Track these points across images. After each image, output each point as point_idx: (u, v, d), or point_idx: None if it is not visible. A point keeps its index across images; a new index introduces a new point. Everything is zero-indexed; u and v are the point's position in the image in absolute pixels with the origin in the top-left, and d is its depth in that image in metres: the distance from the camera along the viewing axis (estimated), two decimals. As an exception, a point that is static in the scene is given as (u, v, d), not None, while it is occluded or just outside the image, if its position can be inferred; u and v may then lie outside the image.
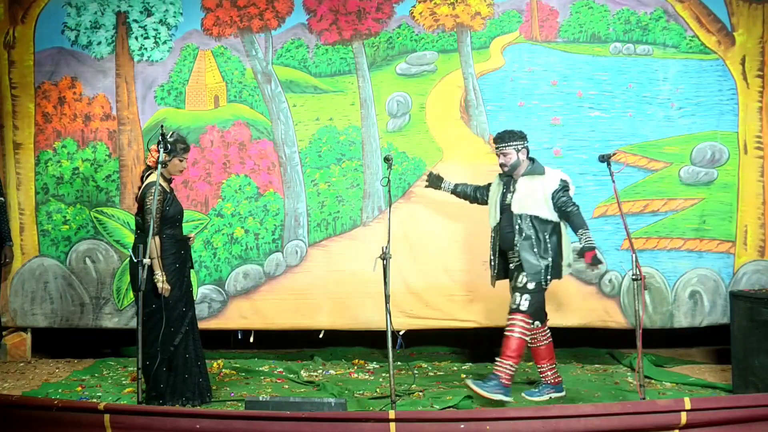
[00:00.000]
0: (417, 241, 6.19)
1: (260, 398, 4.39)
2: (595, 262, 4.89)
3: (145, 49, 6.40)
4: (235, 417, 4.02)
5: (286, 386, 5.54)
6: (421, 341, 6.50)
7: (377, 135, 6.29)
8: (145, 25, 6.39)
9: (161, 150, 4.73)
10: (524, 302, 4.92)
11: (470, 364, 6.15)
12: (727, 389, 5.23)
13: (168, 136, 4.82)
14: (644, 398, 4.53)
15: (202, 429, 3.85)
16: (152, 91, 6.40)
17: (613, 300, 6.13)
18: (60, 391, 5.36)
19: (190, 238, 5.19)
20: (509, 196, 5.07)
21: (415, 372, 5.79)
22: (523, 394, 5.10)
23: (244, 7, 6.35)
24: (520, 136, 5.08)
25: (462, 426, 3.78)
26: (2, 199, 5.76)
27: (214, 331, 6.37)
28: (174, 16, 6.40)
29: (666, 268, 6.13)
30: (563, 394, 5.11)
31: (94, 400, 4.99)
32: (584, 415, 3.84)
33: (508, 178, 5.14)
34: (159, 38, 6.40)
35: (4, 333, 6.39)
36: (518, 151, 5.05)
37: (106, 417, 3.91)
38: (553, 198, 4.95)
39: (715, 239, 6.14)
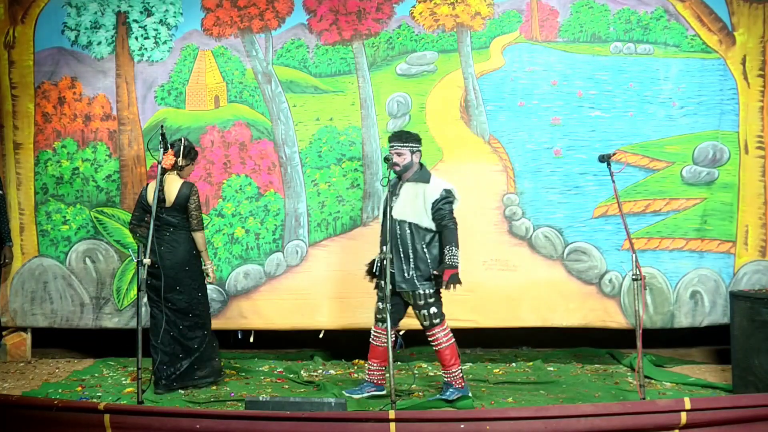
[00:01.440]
0: (417, 241, 6.19)
1: (260, 398, 4.39)
2: (452, 281, 4.82)
3: (146, 49, 6.40)
4: (235, 417, 4.02)
5: (286, 386, 5.54)
6: (421, 341, 6.48)
7: (377, 135, 6.29)
8: (145, 25, 6.39)
9: (161, 149, 4.97)
10: (432, 314, 4.97)
11: (470, 364, 6.14)
12: (727, 389, 5.22)
13: (183, 143, 5.38)
14: (644, 398, 4.53)
15: (202, 429, 3.85)
16: (152, 91, 6.40)
17: (614, 300, 6.12)
18: (60, 391, 5.36)
19: None
20: (394, 199, 5.05)
21: (415, 372, 5.78)
22: (344, 392, 5.12)
23: (245, 8, 6.35)
24: (417, 139, 5.10)
25: (462, 426, 3.78)
26: (1, 192, 5.75)
27: (214, 331, 6.35)
28: (174, 16, 6.40)
29: (668, 269, 6.11)
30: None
31: (94, 400, 4.98)
32: (584, 415, 3.84)
33: (396, 181, 5.13)
34: (159, 38, 6.40)
35: (4, 333, 6.40)
36: (413, 153, 5.05)
37: (106, 417, 3.91)
38: (432, 207, 4.92)
39: (716, 239, 6.13)
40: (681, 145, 6.14)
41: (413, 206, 4.97)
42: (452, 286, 4.87)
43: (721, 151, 6.14)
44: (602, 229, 6.14)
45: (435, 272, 4.91)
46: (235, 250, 6.32)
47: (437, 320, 5.01)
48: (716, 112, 6.13)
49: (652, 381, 5.47)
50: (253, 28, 6.36)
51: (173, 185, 5.32)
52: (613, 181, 4.79)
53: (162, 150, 5.01)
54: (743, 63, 6.14)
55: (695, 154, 6.14)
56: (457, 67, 6.26)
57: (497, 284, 6.14)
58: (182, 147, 5.34)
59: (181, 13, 6.40)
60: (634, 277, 4.58)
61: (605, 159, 4.84)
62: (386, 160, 4.99)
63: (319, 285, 6.21)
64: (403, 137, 5.08)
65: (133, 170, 6.41)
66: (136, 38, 6.40)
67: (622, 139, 6.13)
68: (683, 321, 6.11)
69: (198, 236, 5.40)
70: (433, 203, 4.93)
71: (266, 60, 6.37)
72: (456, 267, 4.86)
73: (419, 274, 4.95)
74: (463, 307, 6.13)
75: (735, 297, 5.15)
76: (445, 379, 5.12)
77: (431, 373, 5.86)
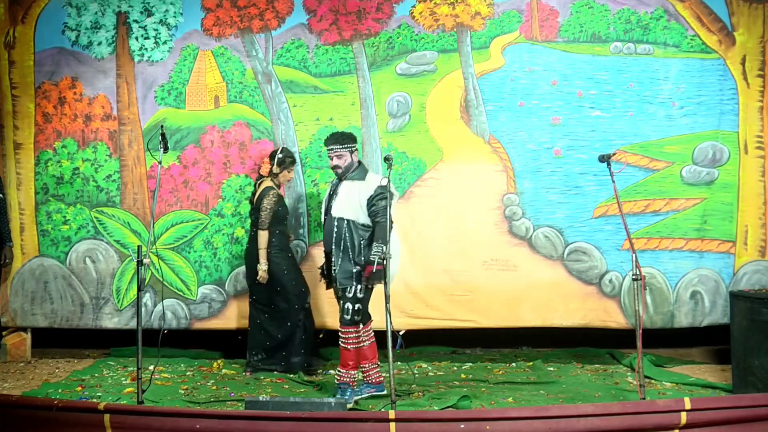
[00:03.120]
0: (417, 241, 6.19)
1: (260, 398, 4.39)
2: (373, 278, 4.85)
3: (146, 49, 6.41)
4: (235, 417, 4.02)
5: (286, 386, 5.53)
6: (421, 341, 6.49)
7: (377, 135, 6.29)
8: (146, 26, 6.39)
9: (161, 149, 4.93)
10: (350, 312, 4.99)
11: (470, 364, 6.14)
12: (727, 389, 5.22)
13: (278, 154, 5.79)
14: (644, 398, 4.52)
15: (202, 429, 3.85)
16: (152, 92, 6.40)
17: (614, 300, 6.12)
18: (60, 391, 5.36)
19: (289, 236, 6.07)
20: (333, 198, 5.11)
21: (415, 372, 5.79)
22: (344, 397, 5.05)
23: (245, 8, 6.35)
24: (353, 139, 5.15)
25: (462, 426, 3.78)
26: (1, 195, 5.75)
27: (215, 331, 6.37)
28: (174, 17, 6.40)
29: (668, 269, 6.12)
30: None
31: (94, 400, 4.98)
32: (584, 415, 3.84)
33: (337, 181, 5.16)
34: (159, 38, 6.40)
35: (4, 333, 6.40)
36: (351, 153, 5.11)
37: (106, 417, 3.91)
38: (367, 204, 4.97)
39: (716, 239, 6.13)
40: (681, 145, 6.14)
41: (350, 203, 5.00)
42: (372, 283, 4.91)
43: (721, 151, 6.14)
44: (602, 229, 6.14)
45: (358, 266, 4.98)
46: (235, 250, 6.32)
47: (351, 318, 5.01)
48: (716, 112, 6.14)
49: (652, 381, 5.47)
50: (253, 28, 6.36)
51: (260, 189, 5.78)
52: (613, 181, 4.78)
53: (162, 150, 4.99)
54: (743, 63, 6.15)
55: (695, 154, 6.14)
56: (457, 67, 6.26)
57: (497, 284, 6.14)
58: (277, 157, 5.75)
59: (181, 13, 6.40)
60: (634, 277, 4.58)
61: (605, 159, 4.83)
62: (386, 160, 4.98)
63: (319, 285, 6.19)
64: (340, 139, 5.10)
65: (133, 170, 6.41)
66: (137, 38, 6.40)
67: (622, 139, 6.14)
68: (683, 321, 6.11)
69: (259, 234, 5.72)
70: (368, 200, 4.97)
71: (266, 60, 6.37)
72: (375, 263, 4.80)
73: (358, 270, 5.00)
74: (463, 307, 6.14)
75: (735, 297, 5.15)
76: (338, 380, 5.12)
77: (431, 373, 5.86)
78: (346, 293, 5.02)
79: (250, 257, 5.83)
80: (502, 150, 6.20)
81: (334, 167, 5.11)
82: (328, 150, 5.14)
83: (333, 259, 5.08)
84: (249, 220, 6.33)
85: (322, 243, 6.18)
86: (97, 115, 6.42)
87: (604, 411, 3.88)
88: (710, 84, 6.15)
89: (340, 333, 5.09)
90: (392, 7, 6.30)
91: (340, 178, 5.13)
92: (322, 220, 5.24)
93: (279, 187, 5.88)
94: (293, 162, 5.88)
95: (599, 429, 3.82)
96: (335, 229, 5.04)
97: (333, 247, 5.05)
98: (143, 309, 5.63)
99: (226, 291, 6.31)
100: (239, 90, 6.39)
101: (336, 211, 5.05)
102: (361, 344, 5.12)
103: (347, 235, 5.00)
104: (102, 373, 5.92)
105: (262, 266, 5.70)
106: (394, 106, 6.30)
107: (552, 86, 6.20)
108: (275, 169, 5.80)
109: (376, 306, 5.98)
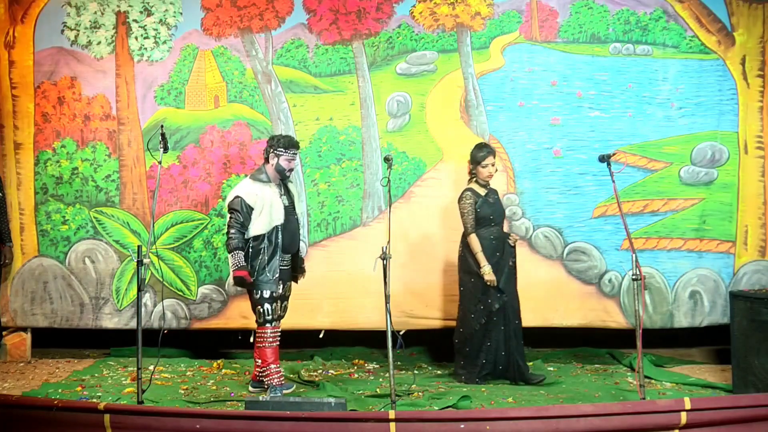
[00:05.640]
0: (417, 241, 6.20)
1: (260, 398, 4.39)
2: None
3: (145, 49, 6.40)
4: (235, 417, 4.02)
5: (286, 386, 5.53)
6: (422, 341, 6.49)
7: (377, 135, 6.29)
8: (145, 25, 6.39)
9: (161, 149, 4.91)
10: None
11: (470, 364, 6.13)
12: (727, 389, 5.23)
13: (476, 149, 5.50)
14: (644, 398, 4.53)
15: (202, 429, 3.85)
16: (152, 91, 6.39)
17: (613, 300, 6.13)
18: (60, 391, 5.36)
19: (509, 236, 5.64)
20: (285, 198, 5.25)
21: (415, 372, 5.79)
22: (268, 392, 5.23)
23: (244, 7, 6.35)
24: None
25: (462, 426, 3.79)
26: (1, 195, 5.75)
27: (214, 331, 6.37)
28: (174, 16, 6.40)
29: (666, 268, 6.13)
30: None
31: (94, 400, 4.98)
32: (584, 415, 3.85)
33: (272, 181, 5.22)
34: (159, 38, 6.40)
35: (4, 333, 6.40)
36: None
37: (106, 417, 3.92)
38: None
39: (715, 239, 6.14)
40: (679, 145, 6.15)
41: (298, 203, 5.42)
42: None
43: (720, 151, 6.15)
44: (602, 229, 6.15)
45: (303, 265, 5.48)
46: (235, 250, 6.31)
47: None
48: (715, 113, 6.15)
49: (652, 381, 5.48)
50: (253, 27, 6.36)
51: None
52: (614, 182, 4.79)
53: (162, 150, 4.99)
54: (743, 63, 6.16)
55: (693, 154, 6.15)
56: (457, 67, 6.26)
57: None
58: (471, 155, 5.55)
59: (181, 13, 6.40)
60: (633, 277, 4.58)
61: (605, 159, 4.84)
62: (386, 160, 4.98)
63: (319, 285, 6.21)
64: (298, 145, 5.27)
65: (133, 170, 6.41)
66: (136, 38, 6.40)
67: (621, 140, 6.14)
68: (683, 321, 6.12)
69: (468, 239, 5.46)
70: None
71: (266, 60, 6.37)
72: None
73: None
74: (463, 307, 6.14)
75: (735, 297, 5.15)
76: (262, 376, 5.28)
77: (431, 374, 5.86)
78: (288, 293, 5.37)
79: (463, 262, 5.55)
80: (502, 150, 6.20)
81: (291, 171, 5.25)
82: (293, 153, 5.19)
83: (287, 258, 5.25)
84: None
85: (322, 243, 6.27)
86: (96, 115, 6.42)
87: (604, 411, 3.88)
88: (709, 85, 6.16)
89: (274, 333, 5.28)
90: (392, 7, 6.30)
91: (287, 179, 5.32)
92: (280, 220, 5.12)
93: (486, 185, 5.53)
94: (485, 156, 5.46)
95: (599, 429, 3.82)
96: (298, 228, 5.33)
97: (295, 245, 5.30)
98: (143, 309, 5.63)
99: (227, 291, 6.30)
100: (239, 90, 6.39)
101: (298, 211, 5.35)
102: (275, 343, 5.32)
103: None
104: (102, 373, 5.92)
105: (485, 269, 5.39)
106: (394, 106, 6.30)
107: (551, 86, 6.21)
108: (471, 168, 5.56)
109: (376, 306, 6.00)
